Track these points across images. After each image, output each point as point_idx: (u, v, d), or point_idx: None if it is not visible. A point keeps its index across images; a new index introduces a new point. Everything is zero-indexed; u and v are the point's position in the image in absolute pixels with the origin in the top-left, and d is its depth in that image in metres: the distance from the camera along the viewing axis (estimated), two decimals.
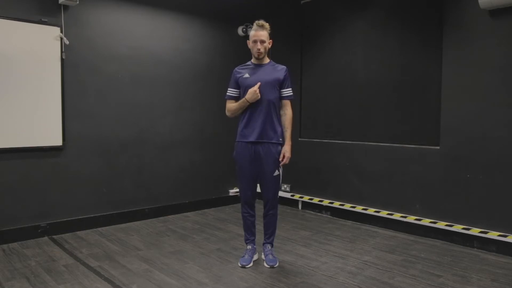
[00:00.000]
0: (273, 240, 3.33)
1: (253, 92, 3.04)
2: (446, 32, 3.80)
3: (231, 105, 3.21)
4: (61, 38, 3.87)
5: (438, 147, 3.88)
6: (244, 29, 5.31)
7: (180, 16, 4.83)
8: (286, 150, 3.14)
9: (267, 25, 3.10)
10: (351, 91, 4.61)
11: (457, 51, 3.73)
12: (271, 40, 3.16)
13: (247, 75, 3.14)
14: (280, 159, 3.13)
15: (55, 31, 3.84)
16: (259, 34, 3.05)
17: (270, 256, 3.25)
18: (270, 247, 3.30)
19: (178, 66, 4.84)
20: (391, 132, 4.26)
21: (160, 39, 4.66)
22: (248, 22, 3.08)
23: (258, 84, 3.06)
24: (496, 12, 3.46)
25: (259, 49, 3.06)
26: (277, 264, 3.22)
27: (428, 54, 3.95)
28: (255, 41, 3.06)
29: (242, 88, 3.15)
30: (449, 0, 3.77)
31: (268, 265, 3.19)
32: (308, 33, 5.09)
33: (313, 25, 5.04)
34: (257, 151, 3.11)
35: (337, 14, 4.75)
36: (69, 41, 3.90)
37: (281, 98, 3.18)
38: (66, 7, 3.91)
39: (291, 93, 3.21)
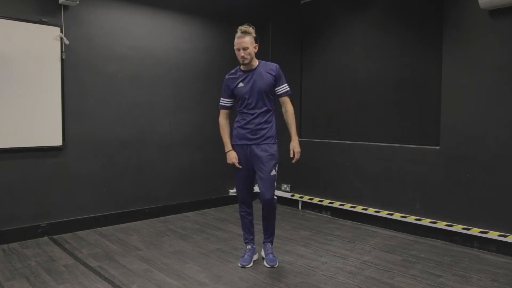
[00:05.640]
0: (273, 239, 3.34)
1: (231, 162, 3.15)
2: (446, 32, 3.79)
3: (222, 124, 3.26)
4: (61, 38, 3.87)
5: (438, 147, 3.87)
6: None
7: (180, 16, 4.83)
8: (295, 146, 3.15)
9: (250, 29, 3.02)
10: (351, 91, 4.61)
11: (457, 51, 3.73)
12: (256, 45, 3.08)
13: (241, 84, 3.11)
14: (291, 156, 3.13)
15: (55, 31, 3.84)
16: (241, 42, 2.99)
17: (270, 256, 3.25)
18: (270, 246, 3.31)
19: (178, 66, 4.83)
20: (391, 132, 4.26)
21: (160, 39, 4.66)
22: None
23: (236, 162, 3.13)
24: (496, 12, 3.46)
25: (243, 56, 3.02)
26: (277, 264, 3.22)
27: (428, 54, 3.95)
28: (238, 49, 3.02)
29: (238, 97, 3.15)
30: (449, 0, 3.77)
31: (268, 265, 3.20)
32: (308, 33, 5.09)
33: (313, 25, 5.04)
34: (252, 151, 3.11)
35: (337, 14, 4.75)
36: (69, 41, 3.90)
37: (279, 96, 3.16)
38: (66, 7, 3.91)
39: (288, 89, 3.17)
